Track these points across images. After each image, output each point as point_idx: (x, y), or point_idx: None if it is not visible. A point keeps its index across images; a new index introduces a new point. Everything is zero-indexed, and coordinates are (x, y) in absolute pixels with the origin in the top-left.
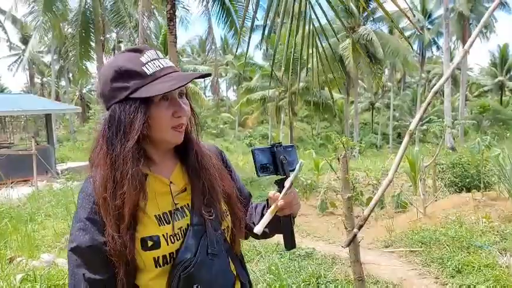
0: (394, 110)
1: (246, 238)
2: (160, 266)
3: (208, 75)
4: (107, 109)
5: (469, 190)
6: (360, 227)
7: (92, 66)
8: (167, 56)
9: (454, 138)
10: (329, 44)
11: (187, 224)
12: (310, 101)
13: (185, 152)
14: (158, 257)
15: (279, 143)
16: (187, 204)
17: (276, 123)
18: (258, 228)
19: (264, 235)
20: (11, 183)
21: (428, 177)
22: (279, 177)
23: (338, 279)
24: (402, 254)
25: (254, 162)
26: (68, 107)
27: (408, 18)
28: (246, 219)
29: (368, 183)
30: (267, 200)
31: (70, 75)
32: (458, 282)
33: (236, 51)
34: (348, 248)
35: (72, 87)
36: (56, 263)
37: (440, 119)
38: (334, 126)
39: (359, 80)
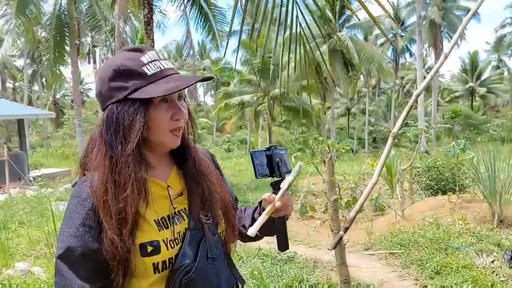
0: (369, 115)
1: (235, 241)
2: (158, 272)
3: (210, 78)
4: (104, 109)
5: (444, 193)
6: (346, 229)
7: (66, 71)
8: None
9: (427, 143)
10: (306, 52)
11: (185, 228)
12: (288, 106)
13: (182, 156)
14: (157, 263)
15: (275, 145)
16: (184, 208)
17: (254, 128)
18: (253, 230)
19: (254, 237)
20: None
21: (404, 181)
22: (275, 179)
23: (320, 283)
24: (382, 256)
25: (253, 164)
26: (41, 112)
27: (379, 27)
28: (236, 222)
29: (347, 186)
30: (259, 202)
31: (44, 79)
32: (437, 284)
33: (225, 54)
34: (333, 250)
35: (45, 92)
36: (32, 272)
37: (416, 124)
38: (312, 131)
39: (335, 85)
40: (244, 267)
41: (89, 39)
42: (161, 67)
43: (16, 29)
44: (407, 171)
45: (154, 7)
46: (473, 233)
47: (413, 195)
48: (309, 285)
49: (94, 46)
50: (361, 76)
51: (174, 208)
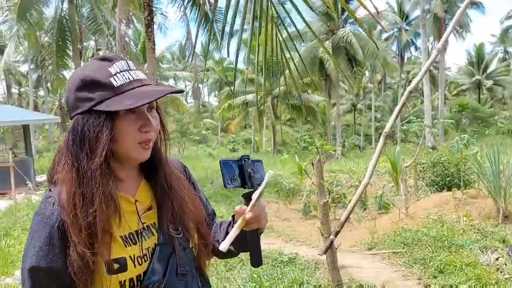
0: (376, 111)
1: (210, 258)
2: None
3: (181, 91)
4: (71, 119)
5: (449, 189)
6: (337, 233)
7: (69, 75)
8: (145, 64)
9: (434, 138)
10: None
11: (155, 243)
12: (292, 104)
13: (152, 170)
14: (124, 281)
15: (247, 155)
16: (154, 223)
17: (258, 127)
18: (224, 245)
19: (229, 253)
20: None
21: (409, 177)
22: (247, 190)
23: (321, 285)
24: (385, 256)
25: (222, 173)
26: (47, 117)
27: (378, 21)
28: (210, 237)
29: (351, 185)
30: (233, 216)
31: (48, 84)
32: (440, 283)
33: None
34: (325, 255)
35: (51, 97)
36: None
37: (419, 119)
38: (317, 128)
39: (340, 82)
40: (244, 270)
41: (92, 43)
42: (130, 78)
43: (18, 34)
44: (412, 167)
45: (154, 9)
46: (478, 229)
47: (418, 191)
48: None
49: (98, 50)
50: (366, 72)
51: (143, 223)
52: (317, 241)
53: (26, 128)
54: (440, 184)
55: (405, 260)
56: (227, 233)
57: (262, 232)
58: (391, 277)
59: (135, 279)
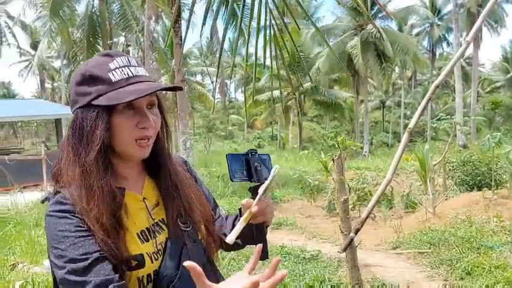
0: (405, 108)
1: (217, 251)
2: (143, 286)
3: (178, 88)
4: (73, 113)
5: (479, 188)
6: (357, 230)
7: None
8: (172, 60)
9: (465, 136)
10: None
11: (166, 238)
12: (319, 100)
13: (155, 167)
14: (142, 277)
15: (255, 150)
16: (162, 218)
17: (285, 123)
18: (231, 237)
19: (236, 246)
20: (23, 187)
21: (438, 176)
22: (253, 184)
23: (342, 283)
24: (411, 255)
25: (228, 166)
26: None
27: (388, 13)
28: (216, 230)
29: (377, 183)
30: (240, 209)
31: None
32: (467, 285)
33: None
34: (345, 253)
35: None
36: None
37: (449, 116)
38: (344, 125)
39: (368, 78)
40: (265, 267)
41: (122, 38)
42: (128, 74)
43: (51, 30)
44: (441, 165)
45: (182, 5)
46: (509, 231)
47: (446, 191)
48: (331, 286)
49: (128, 45)
50: (396, 68)
51: (153, 219)
52: (341, 239)
53: (58, 122)
54: (470, 183)
55: (431, 260)
56: (234, 226)
57: (268, 226)
58: (416, 277)
59: (152, 274)
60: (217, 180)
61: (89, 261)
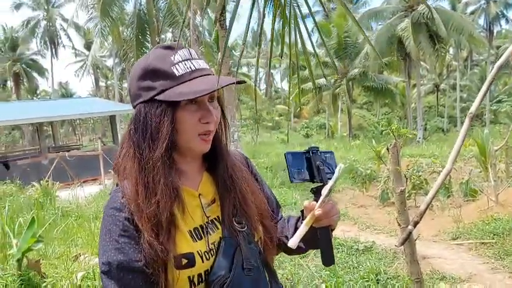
0: (461, 90)
1: (277, 253)
2: (194, 286)
3: (243, 82)
4: (134, 108)
5: None
6: (416, 223)
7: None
8: (218, 52)
9: None
10: None
11: (219, 237)
12: (368, 87)
13: (214, 161)
14: (193, 276)
15: (316, 147)
16: (217, 216)
17: (333, 112)
18: (293, 241)
19: (298, 250)
20: (83, 182)
21: (500, 162)
22: (316, 184)
23: (399, 276)
24: (472, 246)
25: (287, 166)
26: (130, 107)
27: None
28: (278, 233)
29: (433, 170)
30: (302, 211)
31: None
32: None
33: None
34: (403, 246)
35: None
36: None
37: (511, 98)
38: (396, 111)
39: (420, 61)
40: (318, 258)
41: (169, 34)
42: (192, 67)
43: (103, 30)
44: (503, 150)
45: None
46: None
47: (509, 177)
48: (387, 278)
49: (175, 41)
50: (450, 49)
51: (207, 217)
52: (396, 229)
53: (112, 118)
54: None
55: (494, 251)
56: (296, 228)
57: (334, 229)
58: (478, 269)
59: (203, 274)
60: (266, 171)
61: (122, 269)
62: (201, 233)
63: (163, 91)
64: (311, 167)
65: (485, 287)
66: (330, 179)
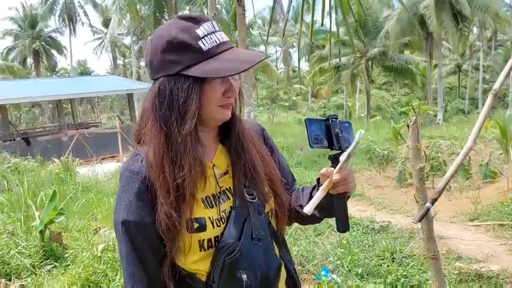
0: (484, 71)
1: (290, 224)
2: (204, 250)
3: (267, 57)
4: (154, 79)
5: None
6: (434, 200)
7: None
8: (236, 31)
9: None
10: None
11: (230, 206)
12: (388, 67)
13: (227, 131)
14: (203, 240)
15: (335, 115)
16: (229, 187)
17: (351, 92)
18: (308, 208)
19: (312, 219)
20: (102, 159)
21: None
22: (334, 152)
23: (415, 255)
24: (490, 227)
25: (307, 132)
26: (148, 85)
27: None
28: (292, 202)
29: (452, 152)
30: (318, 179)
31: None
32: None
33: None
34: (420, 223)
35: None
36: None
37: None
38: (416, 92)
39: (443, 40)
40: (333, 236)
41: (186, 12)
42: (217, 41)
43: (120, 7)
44: None
45: None
46: None
47: None
48: (403, 257)
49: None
50: (474, 28)
51: (220, 187)
52: (412, 210)
53: (130, 97)
54: None
55: None
56: (311, 196)
57: (349, 196)
58: (496, 251)
59: (213, 240)
60: (282, 151)
61: (135, 229)
62: (213, 201)
63: (189, 66)
64: (330, 134)
65: (502, 268)
66: (348, 146)
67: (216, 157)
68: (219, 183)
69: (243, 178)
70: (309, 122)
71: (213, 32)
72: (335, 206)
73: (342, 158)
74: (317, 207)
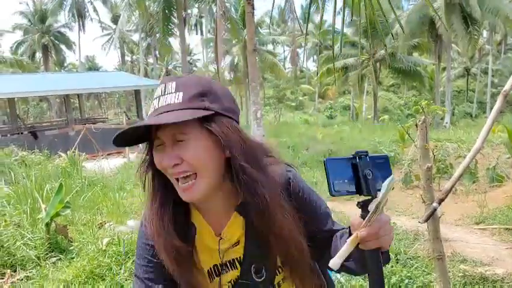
0: (493, 75)
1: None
2: None
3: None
4: None
5: None
6: (441, 201)
7: (175, 43)
8: (244, 29)
9: None
10: None
11: (237, 276)
12: (397, 68)
13: (247, 206)
14: None
15: (365, 151)
16: (239, 257)
17: (358, 93)
18: (334, 262)
19: (347, 270)
20: (108, 155)
21: None
22: (363, 198)
23: (419, 256)
24: (496, 231)
25: (326, 175)
26: (154, 82)
27: None
28: (331, 251)
29: (459, 155)
30: (349, 228)
31: (157, 52)
32: None
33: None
34: (426, 224)
35: (159, 64)
36: None
37: None
38: (424, 95)
39: (452, 43)
40: None
41: (195, 10)
42: (156, 106)
43: (129, 4)
44: None
45: None
46: None
47: None
48: (407, 258)
49: (201, 17)
50: (484, 32)
51: (225, 260)
52: (418, 212)
53: (137, 93)
54: None
55: None
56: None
57: (384, 252)
58: (501, 254)
59: None
60: (287, 151)
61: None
62: (213, 273)
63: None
64: (357, 176)
65: (507, 271)
66: (379, 190)
67: (227, 228)
68: (224, 256)
69: (255, 256)
70: (329, 163)
71: (160, 96)
72: (367, 263)
73: (371, 207)
74: (353, 260)
